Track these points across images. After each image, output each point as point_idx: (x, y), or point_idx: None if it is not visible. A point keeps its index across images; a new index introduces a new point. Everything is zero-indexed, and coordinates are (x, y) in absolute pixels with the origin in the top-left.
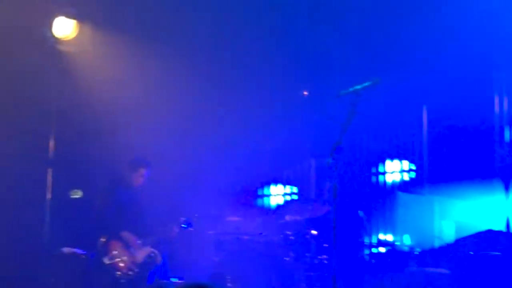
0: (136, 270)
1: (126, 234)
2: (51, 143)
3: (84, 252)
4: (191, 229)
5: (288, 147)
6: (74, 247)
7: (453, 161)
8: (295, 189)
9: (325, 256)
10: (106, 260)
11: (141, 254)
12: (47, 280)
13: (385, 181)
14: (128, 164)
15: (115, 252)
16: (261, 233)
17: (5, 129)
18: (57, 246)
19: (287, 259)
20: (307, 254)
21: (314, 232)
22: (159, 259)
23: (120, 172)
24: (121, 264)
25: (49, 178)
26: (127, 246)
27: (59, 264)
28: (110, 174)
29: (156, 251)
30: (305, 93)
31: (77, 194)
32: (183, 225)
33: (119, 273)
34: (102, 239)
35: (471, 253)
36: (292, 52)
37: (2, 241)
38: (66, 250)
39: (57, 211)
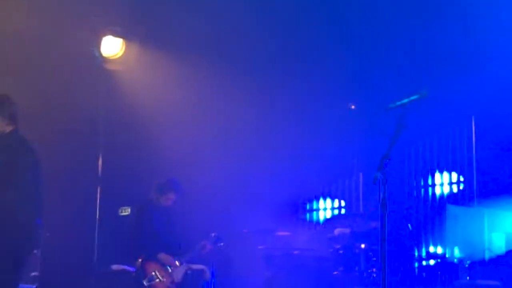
0: None
1: (162, 256)
2: (100, 161)
3: (133, 269)
4: (221, 244)
5: (336, 161)
6: (123, 264)
7: (502, 172)
8: (343, 203)
9: (374, 270)
10: (145, 282)
11: (179, 273)
12: None
13: (434, 194)
14: (157, 186)
15: (153, 274)
16: (311, 248)
17: (55, 147)
18: (106, 263)
19: (336, 273)
20: (356, 268)
21: (363, 245)
22: (207, 275)
23: (153, 193)
24: (160, 285)
25: (98, 196)
26: (164, 266)
27: (109, 280)
28: (141, 195)
29: (204, 268)
30: (353, 106)
31: (125, 211)
32: (213, 242)
33: None
34: (138, 260)
35: None
36: (340, 65)
37: (53, 258)
38: (115, 267)
39: (106, 228)
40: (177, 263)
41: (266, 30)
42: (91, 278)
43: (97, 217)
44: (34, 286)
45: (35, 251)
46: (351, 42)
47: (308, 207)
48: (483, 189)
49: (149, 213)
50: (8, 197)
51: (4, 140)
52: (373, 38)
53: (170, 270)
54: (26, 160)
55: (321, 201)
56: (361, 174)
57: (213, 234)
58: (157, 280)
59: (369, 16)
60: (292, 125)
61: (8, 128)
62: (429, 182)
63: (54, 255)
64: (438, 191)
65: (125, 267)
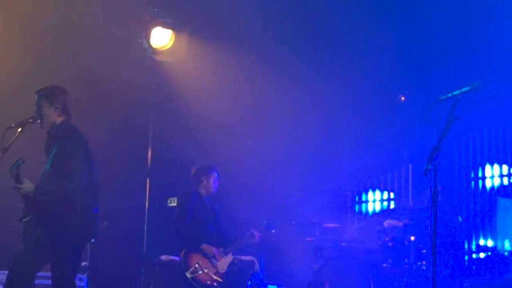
0: (221, 280)
1: (204, 247)
2: (149, 153)
3: (179, 261)
4: (273, 231)
5: (385, 153)
6: (172, 255)
7: None
8: (392, 195)
9: (424, 262)
10: (188, 274)
11: (224, 264)
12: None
13: (484, 186)
14: (198, 170)
15: (196, 266)
16: (360, 240)
17: (105, 139)
18: (155, 253)
19: (385, 265)
20: (405, 260)
21: (412, 238)
22: (256, 267)
23: (193, 182)
24: (204, 277)
25: (148, 187)
26: (208, 257)
27: (158, 271)
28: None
29: (254, 259)
30: (403, 98)
31: (174, 202)
32: (264, 228)
33: (203, 285)
34: (182, 252)
35: None
36: (390, 56)
37: (103, 248)
38: (164, 257)
39: (156, 219)
40: (221, 254)
41: (316, 20)
42: (141, 269)
43: (146, 208)
44: (85, 276)
45: (92, 240)
46: (402, 32)
47: (357, 199)
48: None
49: (191, 203)
50: (64, 186)
51: (56, 130)
52: (426, 28)
53: (214, 261)
54: (79, 149)
55: (370, 193)
56: (410, 165)
57: (264, 222)
58: (200, 272)
59: (421, 6)
60: (342, 117)
61: (60, 119)
62: (480, 174)
63: (104, 245)
64: (488, 183)
65: (174, 257)
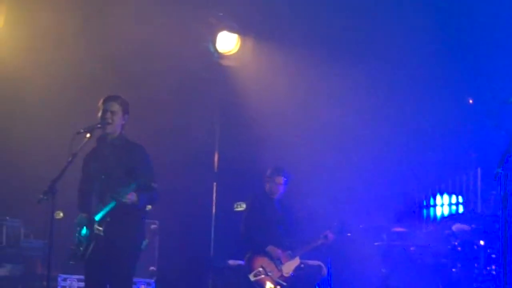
0: (285, 284)
1: (270, 248)
2: (216, 157)
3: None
4: (348, 234)
5: (453, 157)
6: (239, 259)
7: None
8: (461, 199)
9: (493, 267)
10: (252, 277)
11: (290, 267)
12: None
13: None
14: (266, 174)
15: (260, 269)
16: (429, 245)
17: (172, 143)
18: (223, 258)
19: (454, 270)
20: (475, 265)
21: (482, 242)
22: (324, 272)
23: (263, 184)
24: (268, 280)
25: (215, 192)
26: (273, 260)
27: (225, 275)
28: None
29: (321, 263)
30: (471, 101)
31: (241, 207)
32: (338, 230)
33: None
34: (247, 255)
35: None
36: (457, 58)
37: (170, 253)
38: (231, 262)
39: (223, 223)
40: (288, 256)
41: (384, 25)
42: (208, 273)
43: (214, 212)
44: (153, 280)
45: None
46: (468, 34)
47: (425, 203)
48: None
49: (259, 205)
50: (154, 195)
51: (121, 140)
52: (492, 28)
53: (279, 264)
54: (145, 159)
55: (438, 197)
56: (479, 169)
57: (336, 224)
58: (263, 275)
59: (491, 8)
60: (409, 121)
61: (119, 131)
62: None
63: (172, 250)
64: None
65: (241, 262)
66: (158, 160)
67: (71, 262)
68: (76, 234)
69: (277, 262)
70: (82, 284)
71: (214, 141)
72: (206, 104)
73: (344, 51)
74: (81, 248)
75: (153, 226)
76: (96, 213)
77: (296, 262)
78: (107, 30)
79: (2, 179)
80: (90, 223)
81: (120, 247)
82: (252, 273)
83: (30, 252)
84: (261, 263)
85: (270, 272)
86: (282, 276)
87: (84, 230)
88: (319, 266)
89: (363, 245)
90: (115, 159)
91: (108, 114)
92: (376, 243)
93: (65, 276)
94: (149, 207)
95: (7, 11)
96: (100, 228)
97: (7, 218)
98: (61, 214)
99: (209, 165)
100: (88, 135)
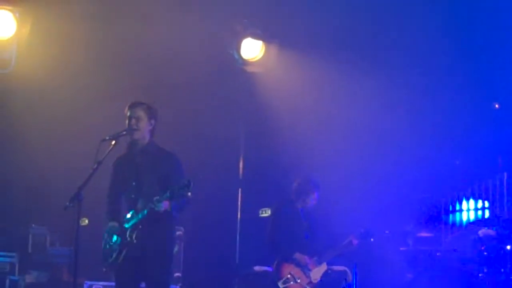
0: None
1: (298, 256)
2: (241, 163)
3: (272, 271)
4: (372, 240)
5: (479, 161)
6: (265, 265)
7: None
8: (487, 204)
9: None
10: (280, 284)
11: (318, 273)
12: None
13: None
14: (300, 186)
15: (289, 276)
16: (455, 250)
17: (197, 150)
18: (248, 264)
19: (481, 275)
20: (502, 270)
21: (508, 247)
22: (349, 277)
23: (291, 193)
24: (296, 287)
25: (240, 198)
26: (301, 267)
27: (251, 282)
28: (280, 195)
29: (346, 269)
30: (497, 105)
31: (266, 213)
32: (363, 236)
33: None
34: (275, 262)
35: None
36: (483, 63)
37: (195, 259)
38: (257, 268)
39: (248, 229)
40: (315, 263)
41: (407, 28)
42: (234, 279)
43: (239, 218)
44: (178, 286)
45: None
46: (492, 39)
47: (450, 208)
48: None
49: (285, 213)
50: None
51: (151, 147)
52: None
53: (307, 271)
54: (176, 167)
55: (464, 202)
56: (505, 174)
57: (361, 229)
58: (292, 282)
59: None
60: (435, 125)
61: (148, 137)
62: None
63: (197, 256)
64: None
65: (267, 268)
66: (183, 167)
67: (104, 269)
68: (107, 241)
69: (305, 269)
70: None
71: (239, 147)
72: (230, 110)
73: (368, 57)
74: (113, 255)
75: (178, 233)
76: (128, 221)
77: (323, 268)
78: (132, 38)
79: (28, 187)
80: (121, 231)
81: (152, 254)
82: (281, 281)
83: (56, 259)
84: (290, 270)
85: (298, 279)
86: (310, 282)
87: (115, 238)
88: (345, 271)
89: (388, 250)
90: (147, 166)
91: (133, 121)
92: (401, 248)
93: (91, 282)
94: None
95: (33, 20)
96: (133, 236)
97: (33, 225)
98: (86, 221)
99: (234, 171)
100: (113, 142)
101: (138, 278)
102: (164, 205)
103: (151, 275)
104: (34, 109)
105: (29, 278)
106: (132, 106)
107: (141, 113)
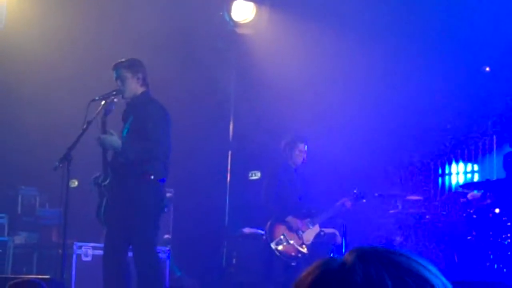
0: (305, 251)
1: (290, 219)
2: (231, 126)
3: (265, 232)
4: (364, 200)
5: (469, 124)
6: (254, 227)
7: None
8: (476, 167)
9: (509, 235)
10: (273, 245)
11: (310, 235)
12: (229, 261)
13: None
14: (286, 142)
15: (281, 237)
16: (444, 213)
17: (186, 112)
18: (237, 226)
19: (469, 238)
20: (490, 233)
21: (497, 210)
22: (338, 239)
23: (281, 153)
24: (289, 248)
25: (229, 160)
26: (293, 229)
27: (240, 244)
28: (272, 159)
29: (336, 231)
30: (487, 69)
31: (255, 176)
32: (355, 197)
33: (287, 256)
34: (267, 223)
35: None
36: (473, 26)
37: (185, 221)
38: (246, 230)
39: (237, 192)
40: (308, 224)
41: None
42: (223, 241)
43: (228, 181)
44: (167, 248)
45: (165, 210)
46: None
47: (440, 171)
48: None
49: (279, 175)
50: (148, 148)
51: (137, 100)
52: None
53: (300, 233)
54: (159, 117)
55: (454, 165)
56: (494, 137)
57: (354, 191)
58: (285, 243)
59: None
60: (425, 89)
61: (141, 90)
62: None
63: (186, 218)
64: None
65: (257, 230)
66: (172, 128)
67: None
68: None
69: (298, 231)
70: (97, 252)
71: (229, 109)
72: (221, 72)
73: (358, 21)
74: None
75: (168, 194)
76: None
77: (316, 229)
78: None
79: (16, 148)
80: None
81: (123, 206)
82: (274, 241)
83: (45, 220)
84: (282, 232)
85: (291, 240)
86: (303, 244)
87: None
88: (334, 233)
89: (377, 212)
90: (125, 118)
91: (119, 82)
92: (390, 211)
93: (80, 243)
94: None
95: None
96: (103, 184)
97: (22, 186)
98: (76, 183)
99: (224, 134)
100: (103, 102)
101: (121, 234)
102: (116, 143)
103: (131, 231)
104: (24, 70)
105: (18, 239)
106: (114, 68)
107: (123, 72)
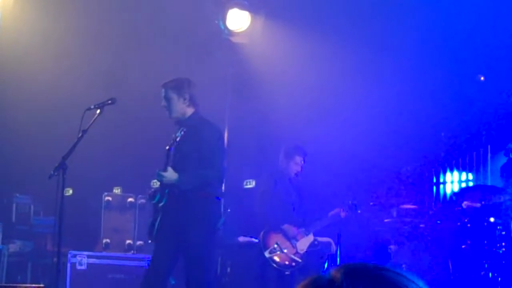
0: (299, 260)
1: (286, 227)
2: (226, 134)
3: (258, 241)
4: (358, 211)
5: (464, 133)
6: (250, 236)
7: None
8: (471, 176)
9: (503, 244)
10: (267, 254)
11: (304, 244)
12: (224, 269)
13: None
14: (284, 152)
15: (275, 246)
16: (438, 221)
17: None
18: (232, 235)
19: (464, 246)
20: (485, 242)
21: (492, 219)
22: (333, 248)
23: (279, 163)
24: (283, 257)
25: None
26: (288, 237)
27: (235, 252)
28: (267, 167)
29: (331, 240)
30: (482, 78)
31: (250, 184)
32: (350, 208)
33: (281, 265)
34: (261, 232)
35: None
36: (469, 34)
37: None
38: (241, 239)
39: (232, 200)
40: (302, 233)
41: (393, 4)
42: (218, 250)
43: (223, 190)
44: None
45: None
46: (480, 10)
47: (435, 180)
48: None
49: (274, 184)
50: (206, 175)
51: (189, 122)
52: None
53: (294, 242)
54: (215, 138)
55: (448, 174)
56: (489, 146)
57: (349, 201)
58: (279, 252)
59: None
60: (421, 98)
61: (190, 111)
62: None
63: None
64: None
65: (251, 239)
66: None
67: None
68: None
69: (292, 240)
70: (92, 260)
71: (223, 118)
72: (216, 81)
73: (353, 30)
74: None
75: (160, 204)
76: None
77: (310, 239)
78: (118, 7)
79: (12, 156)
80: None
81: (183, 226)
82: (268, 250)
83: (40, 228)
84: (276, 240)
85: (285, 249)
86: (297, 253)
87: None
88: (329, 242)
89: (372, 221)
90: (183, 138)
91: (163, 102)
92: (385, 220)
93: (75, 252)
94: None
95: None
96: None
97: (17, 195)
98: (71, 191)
99: None
100: (98, 111)
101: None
102: (173, 178)
103: (188, 251)
104: (18, 77)
105: (13, 247)
106: (162, 86)
107: (169, 92)
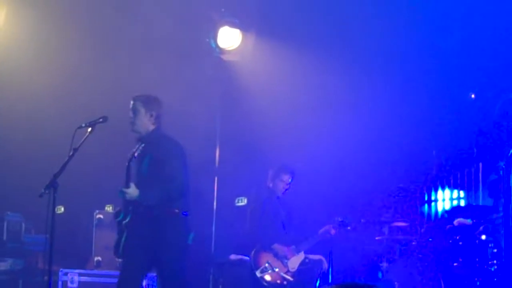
0: (291, 279)
1: (276, 246)
2: (217, 152)
3: (249, 260)
4: (348, 228)
5: (455, 151)
6: (241, 254)
7: None
8: (462, 194)
9: (495, 262)
10: (258, 273)
11: (295, 262)
12: (216, 287)
13: None
14: (272, 171)
15: (266, 265)
16: (430, 239)
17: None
18: (224, 253)
19: (456, 264)
20: (476, 259)
21: (483, 237)
22: (325, 266)
23: (268, 181)
24: (274, 276)
25: (216, 187)
26: (278, 257)
27: (227, 270)
28: (256, 186)
29: (322, 258)
30: (473, 96)
31: (242, 202)
32: (340, 225)
33: (273, 285)
34: (252, 251)
35: None
36: (459, 52)
37: None
38: (233, 257)
39: (224, 218)
40: (293, 252)
41: (382, 21)
42: (209, 268)
43: (215, 207)
44: (154, 274)
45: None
46: (470, 26)
47: (426, 197)
48: None
49: (263, 203)
50: (168, 189)
51: (151, 137)
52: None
53: (285, 260)
54: (177, 154)
55: (440, 191)
56: (480, 164)
57: (338, 219)
58: (270, 271)
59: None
60: (412, 117)
61: (152, 127)
62: None
63: None
64: None
65: (243, 257)
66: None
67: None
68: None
69: (283, 259)
70: (83, 278)
71: (215, 135)
72: (207, 99)
73: (344, 48)
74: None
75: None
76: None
77: (301, 257)
78: (108, 24)
79: (3, 173)
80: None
81: (150, 242)
82: (259, 269)
83: (31, 246)
84: (267, 259)
85: (276, 268)
86: (288, 271)
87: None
88: (320, 260)
89: (364, 239)
90: (141, 154)
91: (131, 114)
92: (377, 238)
93: (66, 270)
94: None
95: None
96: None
97: (8, 213)
98: (62, 209)
99: (210, 160)
100: (89, 129)
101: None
102: (135, 194)
103: (159, 266)
104: (7, 95)
105: (4, 265)
106: (132, 99)
107: (138, 105)
